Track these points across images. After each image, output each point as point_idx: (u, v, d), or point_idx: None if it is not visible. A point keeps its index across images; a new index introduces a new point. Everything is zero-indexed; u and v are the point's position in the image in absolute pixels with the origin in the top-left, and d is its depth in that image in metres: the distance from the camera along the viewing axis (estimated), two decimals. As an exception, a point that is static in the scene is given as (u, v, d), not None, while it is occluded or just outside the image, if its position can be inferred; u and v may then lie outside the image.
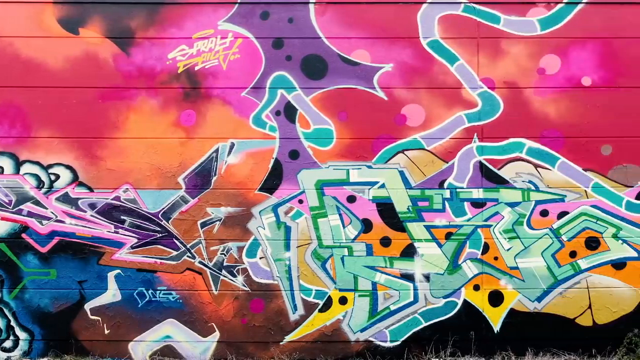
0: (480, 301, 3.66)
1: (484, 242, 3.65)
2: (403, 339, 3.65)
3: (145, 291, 3.63)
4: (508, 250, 3.65)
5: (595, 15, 3.65)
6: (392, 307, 3.65)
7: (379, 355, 3.64)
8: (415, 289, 3.65)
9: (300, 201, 3.64)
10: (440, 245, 3.64)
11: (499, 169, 3.65)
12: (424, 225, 3.64)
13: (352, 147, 3.64)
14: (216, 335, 3.65)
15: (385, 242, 3.64)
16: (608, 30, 3.66)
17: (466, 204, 3.65)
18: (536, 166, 3.65)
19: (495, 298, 3.66)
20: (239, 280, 3.65)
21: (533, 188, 3.65)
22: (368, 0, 3.65)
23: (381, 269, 3.65)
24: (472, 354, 3.65)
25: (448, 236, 3.64)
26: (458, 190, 3.64)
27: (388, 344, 3.65)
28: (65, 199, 3.62)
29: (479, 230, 3.64)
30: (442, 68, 3.65)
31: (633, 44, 3.66)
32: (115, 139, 3.63)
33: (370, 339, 3.66)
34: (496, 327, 3.66)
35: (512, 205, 3.65)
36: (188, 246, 3.63)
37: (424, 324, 3.65)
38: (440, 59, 3.65)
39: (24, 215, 3.60)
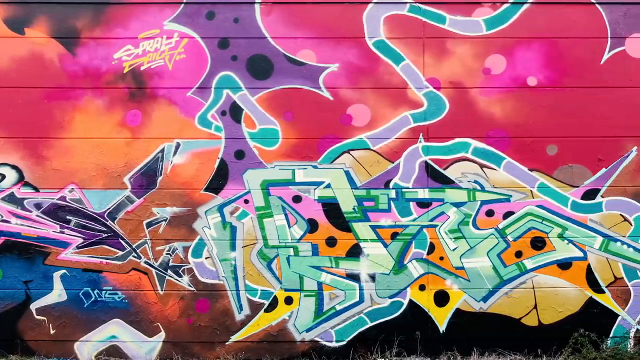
0: (426, 301, 3.65)
1: (430, 242, 3.65)
2: (349, 339, 3.65)
3: (90, 291, 3.63)
4: (454, 250, 3.65)
5: (540, 15, 3.66)
6: (338, 307, 3.65)
7: (324, 355, 3.64)
8: (361, 289, 3.65)
9: (246, 201, 3.64)
10: (385, 245, 3.64)
11: (444, 169, 3.65)
12: (370, 225, 3.64)
13: (298, 147, 3.64)
14: (162, 335, 3.65)
15: (331, 242, 3.64)
16: (553, 30, 3.66)
17: (412, 204, 3.65)
18: (482, 166, 3.65)
19: (441, 298, 3.66)
20: (185, 280, 3.64)
21: (479, 188, 3.65)
22: (314, 0, 3.65)
23: (327, 269, 3.65)
24: (417, 354, 3.65)
25: (394, 236, 3.64)
26: (404, 190, 3.64)
27: (334, 344, 3.65)
28: (11, 199, 3.62)
29: (424, 230, 3.64)
30: (387, 68, 3.65)
31: (577, 43, 3.66)
32: (61, 139, 3.63)
33: (316, 339, 3.66)
34: (442, 327, 3.66)
35: (457, 205, 3.65)
36: (134, 246, 3.63)
37: (370, 324, 3.65)
38: (386, 59, 3.65)
39: (-31, 215, 3.61)
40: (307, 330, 3.65)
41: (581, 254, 3.66)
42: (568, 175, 3.65)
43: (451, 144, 3.65)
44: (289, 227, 3.64)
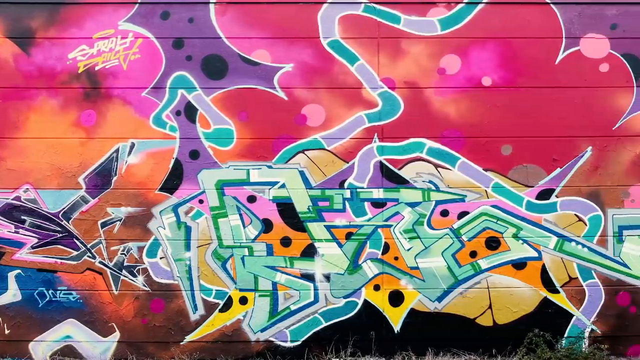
0: (380, 301, 3.65)
1: (385, 242, 3.65)
2: (303, 339, 3.65)
3: (45, 291, 3.62)
4: (408, 250, 3.65)
5: (495, 15, 3.66)
6: (293, 307, 3.65)
7: (279, 355, 3.64)
8: (315, 289, 3.65)
9: (201, 201, 3.64)
10: (340, 245, 3.64)
11: (399, 169, 3.65)
12: (324, 225, 3.64)
13: (253, 147, 3.64)
14: (116, 335, 3.65)
15: (286, 242, 3.64)
16: (508, 30, 3.66)
17: (366, 204, 3.65)
18: (436, 166, 3.65)
19: (396, 298, 3.66)
20: (140, 280, 3.64)
21: (433, 188, 3.65)
22: (268, 0, 3.64)
23: (281, 269, 3.65)
24: (372, 354, 3.65)
25: (348, 236, 3.64)
26: (358, 190, 3.64)
27: (288, 344, 3.65)
28: (-34, 199, 3.62)
29: (379, 230, 3.64)
30: (342, 68, 3.65)
31: (532, 43, 3.66)
32: (16, 139, 3.63)
33: (271, 339, 3.66)
34: (396, 327, 3.66)
35: (412, 205, 3.65)
36: (88, 246, 3.63)
37: (325, 324, 3.65)
38: (340, 59, 3.65)
39: None
40: (262, 330, 3.65)
41: (536, 254, 3.66)
42: (523, 175, 3.65)
43: (406, 144, 3.65)
44: (244, 227, 3.64)
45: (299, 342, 3.65)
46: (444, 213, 3.65)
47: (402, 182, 3.65)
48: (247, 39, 3.64)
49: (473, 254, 3.66)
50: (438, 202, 3.65)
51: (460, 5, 3.65)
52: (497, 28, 3.66)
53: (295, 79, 3.64)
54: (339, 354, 3.64)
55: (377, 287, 3.66)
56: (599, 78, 3.66)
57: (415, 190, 3.65)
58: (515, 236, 3.65)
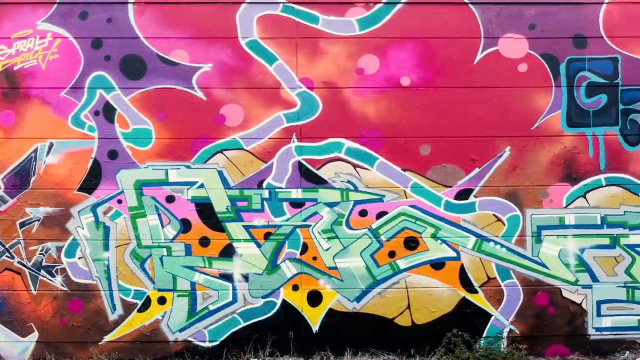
0: (299, 301, 3.65)
1: (303, 242, 3.65)
2: (222, 339, 3.65)
3: (-36, 291, 3.63)
4: (327, 250, 3.65)
5: (413, 15, 3.66)
6: (211, 307, 3.65)
7: (197, 355, 3.64)
8: (234, 289, 3.65)
9: (119, 201, 3.63)
10: (259, 245, 3.64)
11: (318, 169, 3.65)
12: (243, 225, 3.64)
13: (171, 147, 3.64)
14: (35, 335, 3.64)
15: (204, 242, 3.64)
16: (426, 30, 3.66)
17: (285, 204, 3.65)
18: (355, 166, 3.65)
19: (314, 298, 3.66)
20: (58, 280, 3.64)
21: (352, 188, 3.65)
22: (187, 0, 3.64)
23: (200, 269, 3.65)
24: (291, 354, 3.65)
25: (267, 236, 3.64)
26: (277, 190, 3.64)
27: (207, 344, 3.65)
28: None
29: (297, 230, 3.64)
30: (261, 68, 3.65)
31: (450, 43, 3.66)
32: None
33: (190, 339, 3.65)
34: (315, 327, 3.66)
35: (331, 205, 3.65)
36: (7, 246, 3.63)
37: (243, 324, 3.65)
38: (259, 59, 3.65)
39: None
40: (181, 330, 3.65)
41: (454, 254, 3.66)
42: (441, 175, 3.66)
43: (324, 144, 3.65)
44: (162, 227, 3.63)
45: (217, 342, 3.65)
46: (363, 213, 3.65)
47: (320, 182, 3.65)
48: (166, 39, 3.64)
49: (391, 254, 3.66)
50: (356, 202, 3.65)
51: (378, 6, 3.65)
52: (415, 28, 3.66)
53: (214, 79, 3.64)
54: (257, 354, 3.64)
55: (295, 287, 3.66)
56: (517, 78, 3.66)
57: (334, 190, 3.65)
58: (433, 236, 3.66)
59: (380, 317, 3.66)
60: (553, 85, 3.66)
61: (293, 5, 3.64)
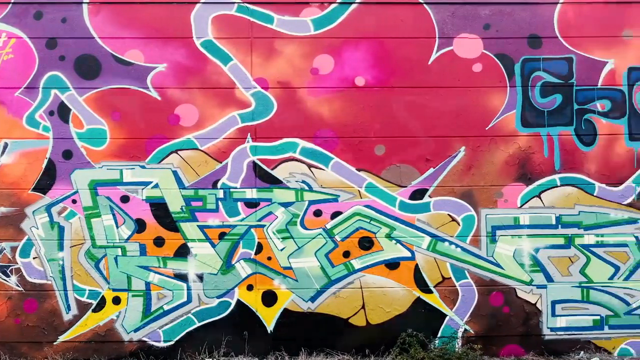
0: (253, 301, 3.65)
1: (258, 242, 3.65)
2: (177, 339, 3.65)
3: None
4: (282, 250, 3.65)
5: (367, 15, 3.66)
6: (166, 307, 3.65)
7: (152, 355, 3.64)
8: (188, 289, 3.65)
9: (74, 201, 3.63)
10: (213, 245, 3.64)
11: (272, 169, 3.65)
12: (198, 225, 3.64)
13: (126, 147, 3.64)
14: (-10, 335, 3.65)
15: (159, 242, 3.64)
16: (380, 30, 3.66)
17: (240, 204, 3.65)
18: (310, 166, 3.65)
19: (269, 298, 3.66)
20: (13, 280, 3.64)
21: (306, 188, 3.65)
22: (141, 0, 3.64)
23: (155, 269, 3.65)
24: (245, 354, 3.65)
25: (221, 236, 3.64)
26: (231, 190, 3.64)
27: (162, 344, 3.65)
28: None
29: (252, 230, 3.64)
30: (215, 68, 3.65)
31: (405, 43, 3.66)
32: None
33: (144, 339, 3.65)
34: (270, 327, 3.66)
35: (285, 205, 3.65)
36: (-39, 246, 3.63)
37: (198, 324, 3.65)
38: (213, 59, 3.65)
39: None
40: (135, 330, 3.65)
41: (409, 254, 3.66)
42: (396, 175, 3.66)
43: (279, 144, 3.65)
44: (117, 227, 3.63)
45: (172, 342, 3.65)
46: (317, 213, 3.65)
47: (275, 182, 3.65)
48: (120, 39, 3.64)
49: (346, 254, 3.66)
50: (311, 202, 3.65)
51: (333, 6, 3.65)
52: (370, 28, 3.66)
53: (169, 79, 3.64)
54: (212, 354, 3.64)
55: (250, 287, 3.66)
56: (472, 78, 3.66)
57: (289, 190, 3.65)
58: (388, 236, 3.66)
59: (335, 317, 3.66)
60: (508, 85, 3.66)
61: (248, 5, 3.64)
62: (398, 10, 3.66)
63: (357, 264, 3.66)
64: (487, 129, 3.66)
